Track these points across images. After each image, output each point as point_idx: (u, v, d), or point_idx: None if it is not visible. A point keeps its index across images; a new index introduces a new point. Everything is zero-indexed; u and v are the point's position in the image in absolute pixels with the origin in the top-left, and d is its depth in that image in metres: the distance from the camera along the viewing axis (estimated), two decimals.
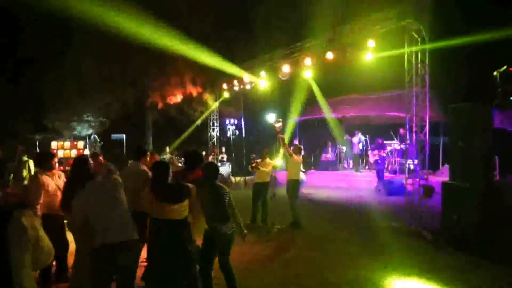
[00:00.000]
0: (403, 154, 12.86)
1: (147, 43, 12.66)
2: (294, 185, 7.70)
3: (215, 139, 16.19)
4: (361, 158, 16.03)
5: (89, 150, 14.75)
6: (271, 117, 14.33)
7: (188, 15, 14.24)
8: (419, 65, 7.79)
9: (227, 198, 4.02)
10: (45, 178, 4.57)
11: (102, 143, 15.89)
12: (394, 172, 14.07)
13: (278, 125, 7.81)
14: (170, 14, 13.32)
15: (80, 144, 16.57)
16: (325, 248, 6.31)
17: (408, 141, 8.28)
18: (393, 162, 14.44)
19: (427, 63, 7.63)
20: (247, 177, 13.90)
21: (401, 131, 13.14)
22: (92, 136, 15.88)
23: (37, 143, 17.09)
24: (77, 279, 3.75)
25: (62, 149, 16.04)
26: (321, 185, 13.31)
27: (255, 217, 7.96)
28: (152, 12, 11.98)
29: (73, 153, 14.81)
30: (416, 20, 7.73)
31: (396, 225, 7.54)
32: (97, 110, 16.16)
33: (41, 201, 4.40)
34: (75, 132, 16.90)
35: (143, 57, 14.03)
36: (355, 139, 15.60)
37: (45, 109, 15.99)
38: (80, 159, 3.85)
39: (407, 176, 8.20)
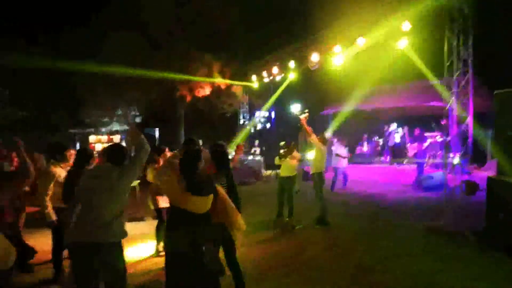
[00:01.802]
0: (444, 146, 11.93)
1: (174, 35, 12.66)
2: (319, 178, 7.29)
3: (244, 131, 15.96)
4: (398, 151, 15.16)
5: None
6: (296, 108, 13.86)
7: (216, 6, 14.06)
8: (461, 48, 7.04)
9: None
10: (58, 170, 4.53)
11: None
12: (436, 166, 13.12)
13: (304, 116, 7.38)
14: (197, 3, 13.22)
15: (116, 138, 17.07)
16: (349, 248, 5.85)
17: (449, 133, 7.57)
18: (434, 155, 13.48)
19: (470, 43, 6.86)
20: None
21: (443, 122, 12.19)
22: (126, 131, 16.24)
23: (76, 137, 17.81)
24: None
25: (100, 142, 16.64)
26: (354, 179, 12.70)
27: (281, 212, 7.65)
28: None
29: None
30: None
31: (434, 224, 6.88)
32: (129, 105, 16.47)
33: (50, 192, 4.36)
34: (110, 127, 17.39)
35: (170, 50, 14.06)
36: (391, 130, 14.78)
37: (81, 104, 16.55)
38: (83, 151, 3.74)
39: (447, 170, 7.49)
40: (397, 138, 14.70)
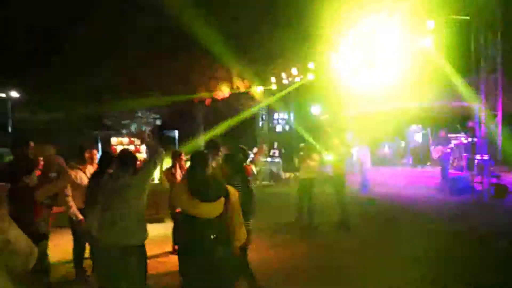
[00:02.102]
0: (471, 149, 11.52)
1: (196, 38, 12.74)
2: (341, 180, 7.15)
3: (264, 134, 15.93)
4: (420, 153, 14.75)
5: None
6: (316, 110, 13.71)
7: (236, 10, 14.11)
8: (488, 45, 6.77)
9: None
10: (76, 172, 4.57)
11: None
12: (461, 169, 12.66)
13: (324, 118, 7.28)
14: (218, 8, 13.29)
15: (137, 140, 17.34)
16: (369, 254, 5.66)
17: (475, 134, 7.30)
18: (460, 158, 13.02)
19: (498, 40, 6.57)
20: (297, 173, 13.47)
21: (470, 123, 11.77)
22: (146, 132, 16.50)
23: (98, 139, 18.22)
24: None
25: (121, 144, 16.94)
26: (376, 182, 12.42)
27: (302, 215, 7.55)
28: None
29: (131, 148, 15.48)
30: None
31: (461, 229, 6.62)
32: (149, 107, 16.74)
33: (68, 193, 4.38)
34: (131, 129, 17.69)
35: (191, 53, 14.19)
36: (412, 131, 14.41)
37: (103, 106, 16.91)
38: (104, 155, 3.77)
39: (475, 173, 7.20)
40: (417, 138, 14.27)
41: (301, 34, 13.73)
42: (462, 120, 12.93)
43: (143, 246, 3.12)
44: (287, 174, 14.48)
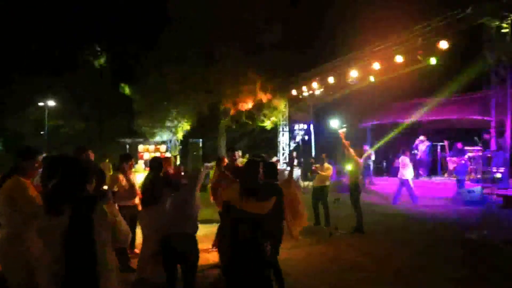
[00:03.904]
0: (485, 160, 11.78)
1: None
2: (355, 188, 7.71)
3: (284, 144, 16.55)
4: (423, 164, 14.94)
5: (170, 153, 16.20)
6: (334, 123, 14.24)
7: (256, 25, 14.95)
8: (498, 63, 7.25)
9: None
10: (121, 176, 5.50)
11: (181, 147, 17.30)
12: (477, 181, 12.88)
13: (342, 130, 7.88)
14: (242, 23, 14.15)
15: (163, 148, 18.27)
16: (385, 255, 6.17)
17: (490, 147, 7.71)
18: (476, 170, 13.24)
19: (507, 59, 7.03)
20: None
21: (485, 136, 12.05)
22: (172, 141, 17.39)
23: (127, 146, 19.27)
24: (142, 264, 4.44)
25: (148, 152, 17.88)
26: (392, 192, 12.78)
27: (318, 220, 8.13)
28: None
29: (157, 155, 16.37)
30: (495, 17, 7.22)
31: (471, 237, 7.05)
32: (177, 117, 17.65)
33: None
34: (157, 138, 18.65)
35: (219, 67, 15.10)
36: (417, 143, 14.65)
37: (135, 115, 17.95)
38: (159, 162, 4.59)
39: (485, 185, 7.63)
40: (421, 148, 14.43)
41: (323, 50, 14.42)
42: (479, 133, 13.19)
43: (195, 235, 3.81)
44: (305, 183, 14.98)
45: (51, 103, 21.84)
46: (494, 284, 4.88)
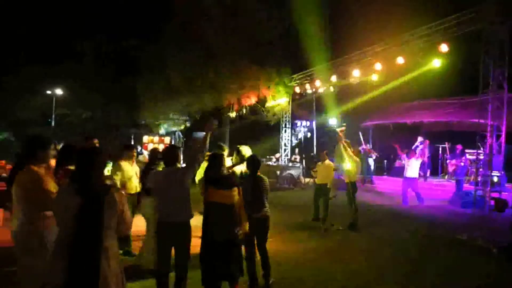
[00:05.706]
0: (483, 164, 11.87)
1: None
2: (352, 186, 7.88)
3: (286, 140, 16.71)
4: (426, 166, 15.00)
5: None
6: (333, 122, 14.37)
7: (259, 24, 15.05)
8: (496, 68, 7.35)
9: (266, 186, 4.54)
10: (124, 165, 5.64)
11: (184, 139, 17.53)
12: (476, 183, 12.96)
13: (340, 129, 8.03)
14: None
15: (167, 139, 18.54)
16: (376, 251, 6.36)
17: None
18: (475, 172, 13.30)
19: (506, 64, 7.15)
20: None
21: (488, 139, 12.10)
22: (176, 133, 17.62)
23: (132, 137, 19.57)
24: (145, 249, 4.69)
25: (152, 143, 18.16)
26: (391, 192, 12.95)
27: (317, 216, 8.34)
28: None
29: (161, 147, 16.63)
30: (495, 23, 7.32)
31: (461, 238, 7.20)
32: (181, 110, 17.85)
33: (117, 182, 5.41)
34: (162, 130, 18.89)
35: (222, 62, 15.23)
36: (416, 145, 14.73)
37: (139, 107, 18.18)
38: (153, 152, 4.76)
39: (478, 188, 7.77)
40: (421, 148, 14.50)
41: (325, 48, 14.50)
42: (479, 136, 13.21)
43: (189, 222, 3.96)
44: (307, 180, 15.13)
45: (58, 91, 22.13)
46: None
